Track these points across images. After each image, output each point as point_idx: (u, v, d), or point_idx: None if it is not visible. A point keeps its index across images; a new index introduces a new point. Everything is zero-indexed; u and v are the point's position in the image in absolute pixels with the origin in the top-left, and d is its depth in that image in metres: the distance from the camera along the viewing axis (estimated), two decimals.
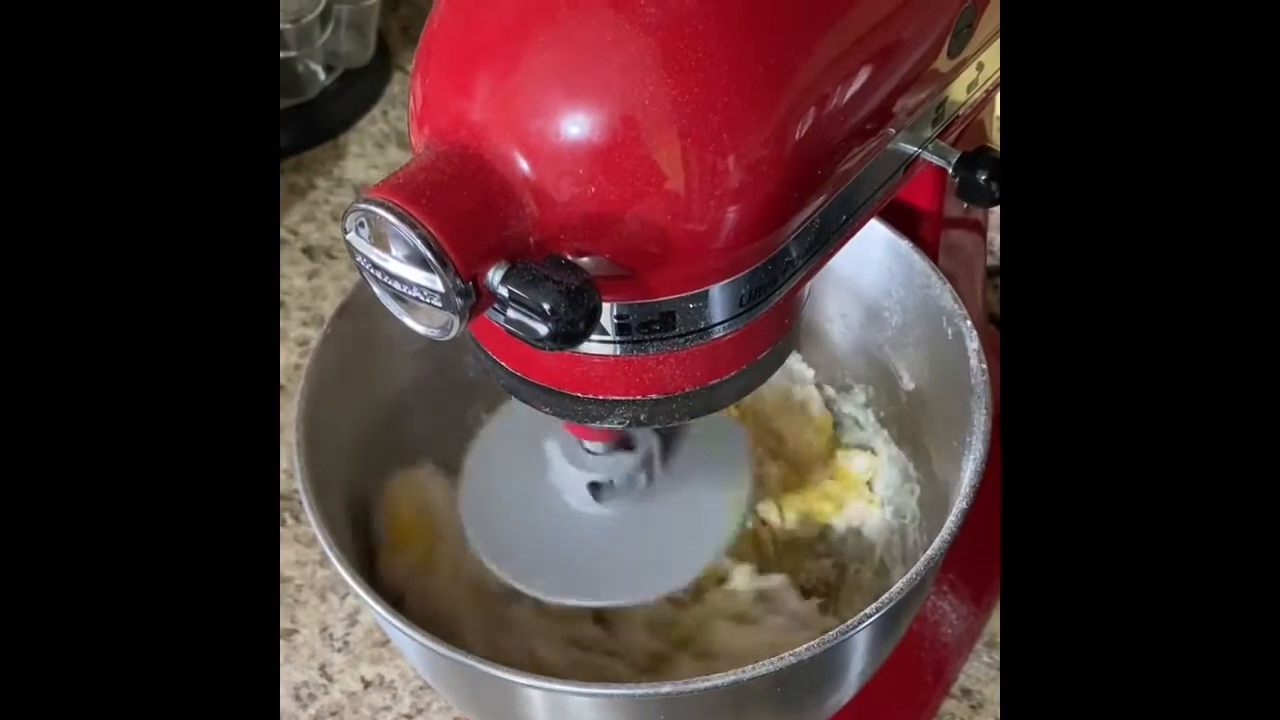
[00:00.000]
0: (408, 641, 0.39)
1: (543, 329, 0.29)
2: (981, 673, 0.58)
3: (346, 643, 0.60)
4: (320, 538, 0.41)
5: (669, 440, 0.47)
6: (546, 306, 0.29)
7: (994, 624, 0.60)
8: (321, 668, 0.59)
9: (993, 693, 0.57)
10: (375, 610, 0.39)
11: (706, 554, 0.45)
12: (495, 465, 0.48)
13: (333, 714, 0.58)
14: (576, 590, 0.44)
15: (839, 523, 0.57)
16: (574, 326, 0.29)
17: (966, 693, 0.57)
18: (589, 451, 0.44)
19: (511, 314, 0.30)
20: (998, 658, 0.58)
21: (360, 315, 0.47)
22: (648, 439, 0.45)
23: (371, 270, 0.31)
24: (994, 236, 0.76)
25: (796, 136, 0.32)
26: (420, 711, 0.58)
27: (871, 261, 0.49)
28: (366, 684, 0.59)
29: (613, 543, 0.45)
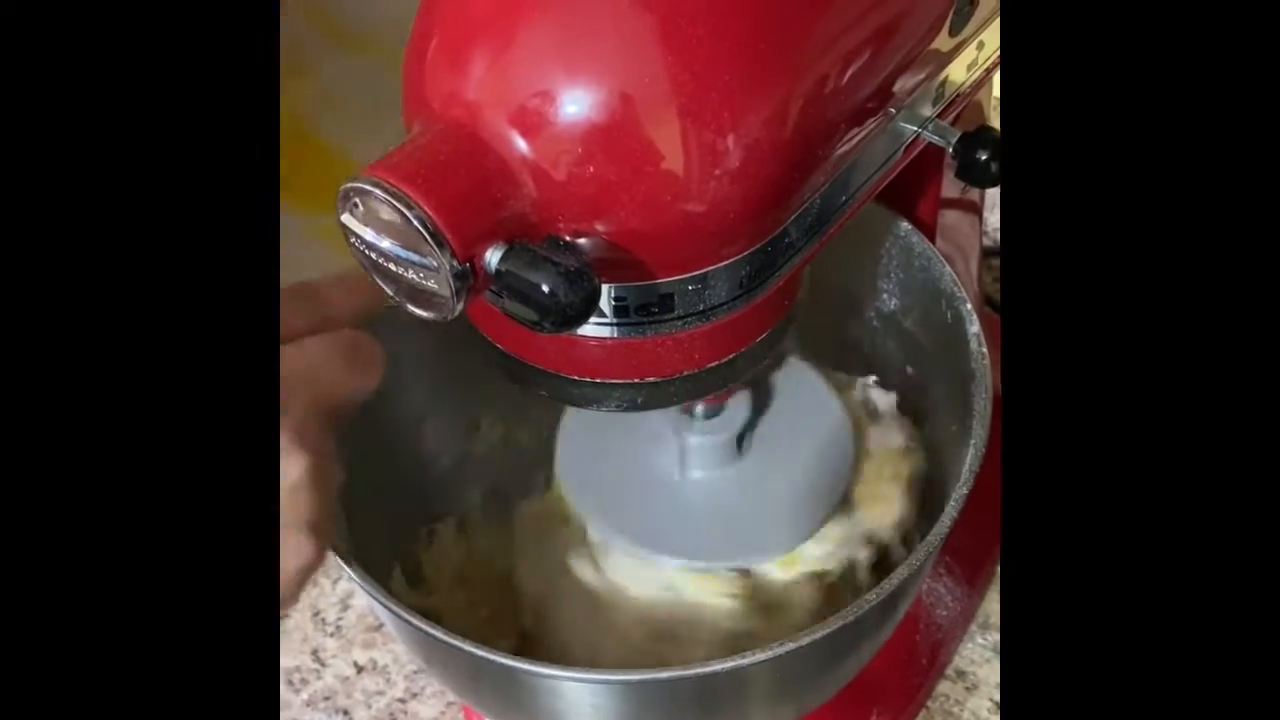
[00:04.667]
0: (401, 625, 0.38)
1: (540, 312, 0.28)
2: (976, 654, 0.58)
3: (339, 627, 0.60)
4: None
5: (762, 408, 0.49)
6: (545, 289, 0.28)
7: (988, 605, 0.60)
8: (314, 652, 0.59)
9: (987, 674, 0.57)
10: (369, 592, 0.38)
11: (795, 534, 0.46)
12: (591, 423, 0.49)
13: (326, 698, 0.57)
14: (662, 546, 0.45)
15: None
16: (572, 309, 0.28)
17: (961, 674, 0.57)
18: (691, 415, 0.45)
19: (509, 296, 0.29)
20: (992, 639, 0.58)
21: None
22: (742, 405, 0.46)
23: (366, 251, 0.30)
24: (987, 217, 0.76)
25: (797, 116, 0.31)
26: (414, 695, 0.57)
27: (870, 243, 0.49)
28: (359, 668, 0.59)
29: (702, 506, 0.47)
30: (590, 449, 0.48)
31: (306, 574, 0.35)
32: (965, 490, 0.39)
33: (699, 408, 0.45)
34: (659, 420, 0.46)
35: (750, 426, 0.47)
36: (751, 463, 0.47)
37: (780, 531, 0.46)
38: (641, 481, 0.47)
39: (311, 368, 0.35)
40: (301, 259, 0.43)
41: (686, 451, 0.46)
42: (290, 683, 0.58)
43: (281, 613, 0.52)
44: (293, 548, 0.34)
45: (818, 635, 0.36)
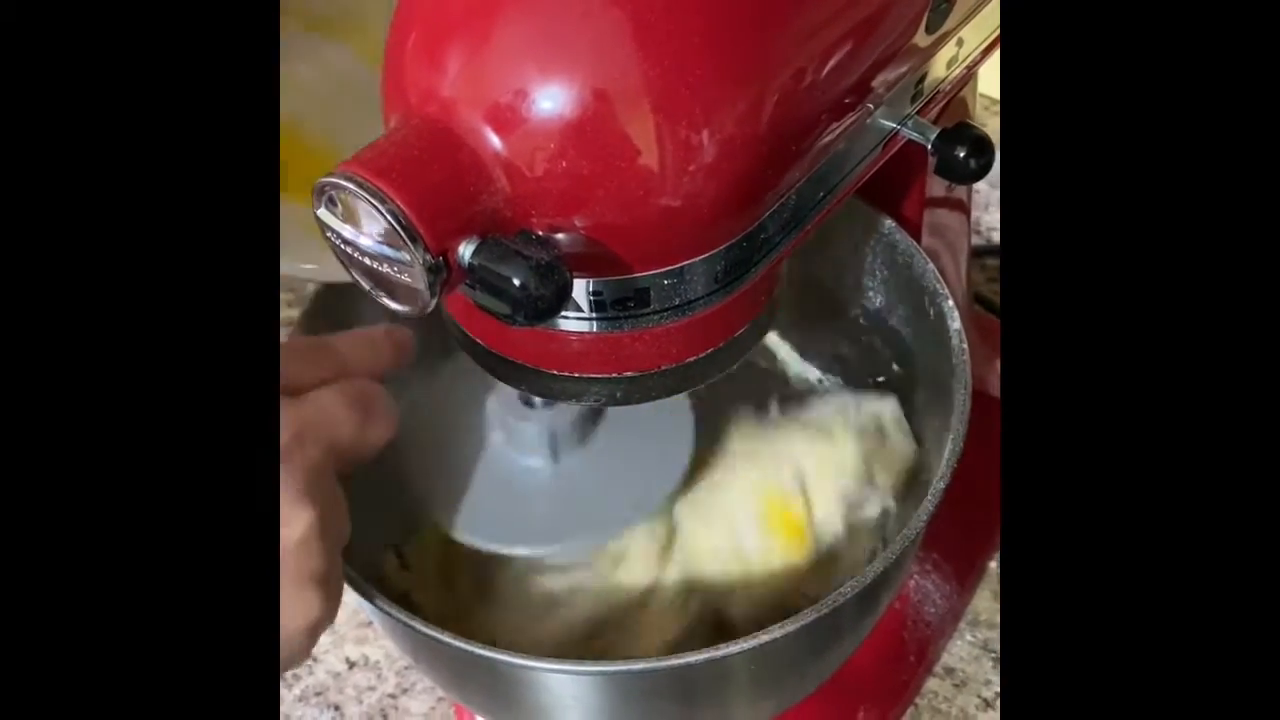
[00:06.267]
0: (384, 618, 0.39)
1: (511, 305, 0.29)
2: (965, 651, 0.58)
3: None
4: None
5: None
6: (516, 282, 0.29)
7: (978, 603, 0.60)
8: None
9: (976, 671, 0.57)
10: (357, 591, 0.39)
11: (648, 504, 0.46)
12: (432, 429, 0.47)
13: (318, 694, 0.58)
14: (527, 539, 0.44)
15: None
16: (543, 302, 0.29)
17: (950, 671, 0.58)
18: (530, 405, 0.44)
19: (481, 289, 0.29)
20: (982, 637, 0.59)
21: (344, 293, 0.47)
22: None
23: (342, 246, 0.30)
24: (979, 216, 0.76)
25: (771, 111, 0.32)
26: (405, 691, 0.58)
27: (853, 239, 0.49)
28: (351, 664, 0.59)
29: (559, 492, 0.45)
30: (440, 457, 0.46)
31: (317, 630, 0.34)
32: (943, 485, 0.39)
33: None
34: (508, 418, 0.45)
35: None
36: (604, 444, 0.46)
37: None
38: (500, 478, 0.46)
39: (322, 419, 0.35)
40: (297, 254, 0.43)
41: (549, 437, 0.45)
42: (282, 678, 0.58)
43: (290, 670, 0.51)
44: (301, 604, 0.33)
45: (794, 626, 0.36)
